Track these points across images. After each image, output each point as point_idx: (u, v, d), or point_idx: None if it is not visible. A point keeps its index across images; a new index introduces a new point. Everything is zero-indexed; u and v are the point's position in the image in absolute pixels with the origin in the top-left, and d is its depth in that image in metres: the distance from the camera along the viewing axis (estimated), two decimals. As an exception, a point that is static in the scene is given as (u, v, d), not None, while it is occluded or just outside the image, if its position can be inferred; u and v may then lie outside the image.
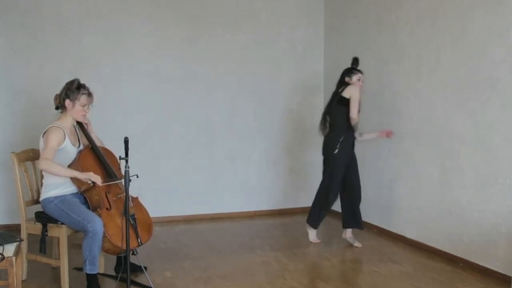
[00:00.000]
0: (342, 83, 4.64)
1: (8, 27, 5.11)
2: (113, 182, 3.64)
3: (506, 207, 3.80)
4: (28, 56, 5.17)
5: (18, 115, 5.18)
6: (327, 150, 4.68)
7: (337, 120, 4.60)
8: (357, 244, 4.68)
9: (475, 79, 4.05)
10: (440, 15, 4.38)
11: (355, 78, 4.60)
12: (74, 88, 3.60)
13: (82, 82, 3.68)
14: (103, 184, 3.51)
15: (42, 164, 3.45)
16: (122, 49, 5.44)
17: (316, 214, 4.75)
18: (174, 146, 5.69)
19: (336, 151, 4.56)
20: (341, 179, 4.64)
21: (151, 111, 5.57)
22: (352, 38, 5.63)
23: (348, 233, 4.77)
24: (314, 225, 4.79)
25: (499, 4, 3.83)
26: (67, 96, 3.60)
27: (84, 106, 3.63)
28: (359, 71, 4.65)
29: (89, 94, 3.65)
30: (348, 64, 4.71)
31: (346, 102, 4.49)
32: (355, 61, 4.70)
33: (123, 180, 3.46)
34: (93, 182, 3.47)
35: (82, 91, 3.61)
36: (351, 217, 4.70)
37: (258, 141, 6.01)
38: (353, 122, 4.50)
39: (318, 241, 4.81)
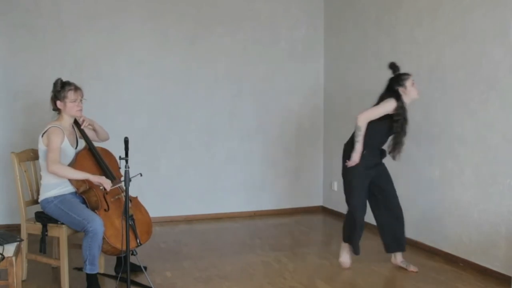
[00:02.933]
0: (392, 96, 3.90)
1: (8, 27, 5.11)
2: (118, 185, 3.64)
3: (506, 207, 3.80)
4: (28, 56, 5.17)
5: (18, 115, 5.19)
6: (343, 160, 4.05)
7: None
8: (412, 268, 4.05)
9: (475, 79, 4.05)
10: (440, 15, 4.38)
11: (408, 83, 3.88)
12: (59, 88, 3.60)
13: (66, 79, 3.66)
14: (112, 188, 3.52)
15: (54, 168, 3.45)
16: (122, 49, 5.44)
17: (348, 234, 4.13)
18: (174, 146, 5.69)
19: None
20: (363, 193, 4.03)
21: (151, 111, 5.58)
22: (352, 38, 5.63)
23: (399, 258, 4.12)
24: (350, 247, 4.16)
25: (499, 4, 3.83)
26: (56, 98, 3.60)
27: (74, 101, 3.61)
28: (408, 74, 3.93)
29: (76, 89, 3.63)
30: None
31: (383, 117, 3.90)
32: (394, 66, 3.98)
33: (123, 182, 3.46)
34: (104, 188, 3.49)
35: (67, 87, 3.60)
36: (393, 239, 4.09)
37: (258, 141, 6.01)
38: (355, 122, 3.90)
39: (347, 264, 4.14)
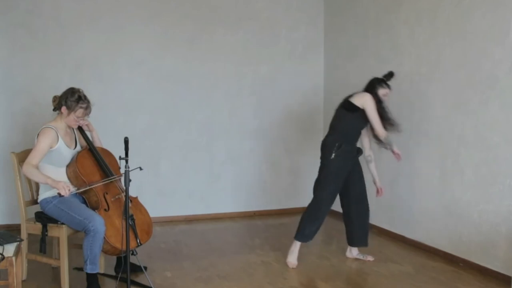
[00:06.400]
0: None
1: (8, 27, 5.11)
2: (84, 189, 3.55)
3: (506, 207, 3.80)
4: (28, 56, 5.17)
5: (18, 115, 5.19)
6: (323, 153, 4.17)
7: (338, 124, 4.17)
8: (369, 258, 4.34)
9: (475, 79, 4.05)
10: (440, 15, 4.38)
11: (381, 92, 4.12)
12: (73, 100, 3.55)
13: (84, 93, 3.61)
14: (74, 191, 3.45)
15: (24, 169, 3.47)
16: (122, 49, 5.45)
17: (304, 228, 4.15)
18: (174, 146, 5.69)
19: (333, 156, 4.06)
20: (337, 190, 4.17)
21: (151, 111, 5.58)
22: (352, 38, 5.63)
23: (355, 251, 4.39)
24: (302, 240, 4.19)
25: (499, 4, 3.83)
26: (66, 104, 3.57)
27: (78, 117, 3.60)
28: (388, 87, 4.18)
29: (87, 108, 3.60)
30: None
31: (352, 109, 4.06)
32: (390, 75, 4.20)
33: (121, 180, 3.44)
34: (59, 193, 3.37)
35: (80, 104, 3.55)
36: (359, 234, 4.33)
37: (258, 141, 6.01)
38: (381, 139, 4.09)
39: (294, 265, 4.14)
